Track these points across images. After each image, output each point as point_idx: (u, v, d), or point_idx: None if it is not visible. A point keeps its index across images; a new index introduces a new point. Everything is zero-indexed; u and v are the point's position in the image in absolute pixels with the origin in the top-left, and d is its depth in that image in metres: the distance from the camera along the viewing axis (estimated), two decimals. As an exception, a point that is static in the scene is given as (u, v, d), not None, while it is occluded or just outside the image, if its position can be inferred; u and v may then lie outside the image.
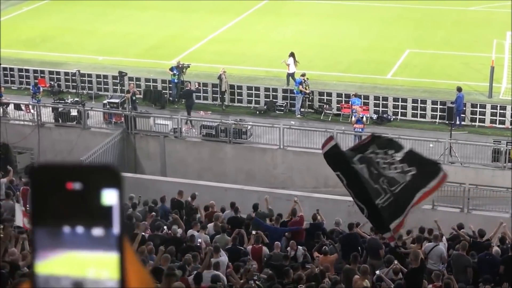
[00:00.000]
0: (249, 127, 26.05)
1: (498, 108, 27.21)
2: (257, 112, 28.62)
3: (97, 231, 1.36)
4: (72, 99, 28.74)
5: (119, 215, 1.37)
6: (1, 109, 27.50)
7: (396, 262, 13.60)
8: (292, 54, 29.67)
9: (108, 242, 1.36)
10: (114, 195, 1.36)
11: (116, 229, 1.36)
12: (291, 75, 29.71)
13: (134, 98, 27.50)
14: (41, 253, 1.36)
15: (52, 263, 1.36)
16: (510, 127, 26.88)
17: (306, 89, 28.13)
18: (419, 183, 11.43)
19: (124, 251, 1.36)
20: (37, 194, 1.36)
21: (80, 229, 1.35)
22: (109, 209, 1.36)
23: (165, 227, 16.24)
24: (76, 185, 1.35)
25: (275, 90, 29.30)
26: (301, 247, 15.68)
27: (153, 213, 17.43)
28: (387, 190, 11.12)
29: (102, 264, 1.35)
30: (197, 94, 29.62)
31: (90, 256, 1.36)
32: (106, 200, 1.35)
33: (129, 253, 1.39)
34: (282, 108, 28.57)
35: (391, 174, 11.26)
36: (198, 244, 14.72)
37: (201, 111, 28.81)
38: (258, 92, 29.35)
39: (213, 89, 29.47)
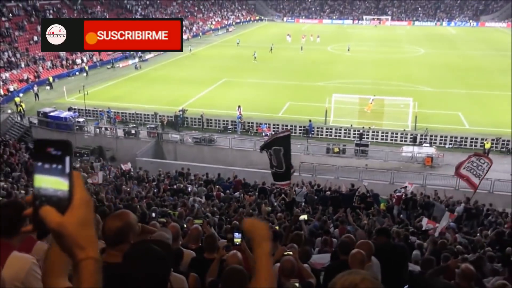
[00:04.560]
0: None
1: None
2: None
3: (57, 166, 2.27)
4: None
5: (69, 162, 2.28)
6: None
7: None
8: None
9: (63, 173, 2.27)
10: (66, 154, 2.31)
11: (67, 169, 2.24)
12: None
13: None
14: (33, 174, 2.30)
15: (35, 179, 2.25)
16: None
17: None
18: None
19: (71, 179, 2.24)
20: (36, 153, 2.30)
21: (47, 165, 2.27)
22: (64, 159, 2.29)
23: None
24: (52, 151, 2.27)
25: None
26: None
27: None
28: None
29: (58, 183, 2.23)
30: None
31: (51, 178, 2.25)
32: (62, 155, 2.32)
33: (76, 182, 2.26)
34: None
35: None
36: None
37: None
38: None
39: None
